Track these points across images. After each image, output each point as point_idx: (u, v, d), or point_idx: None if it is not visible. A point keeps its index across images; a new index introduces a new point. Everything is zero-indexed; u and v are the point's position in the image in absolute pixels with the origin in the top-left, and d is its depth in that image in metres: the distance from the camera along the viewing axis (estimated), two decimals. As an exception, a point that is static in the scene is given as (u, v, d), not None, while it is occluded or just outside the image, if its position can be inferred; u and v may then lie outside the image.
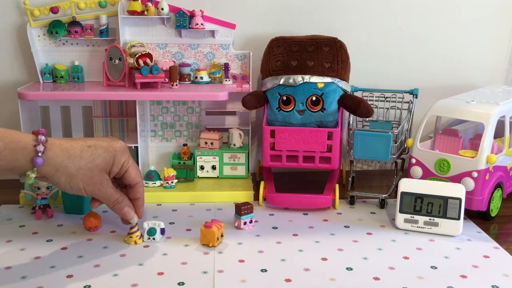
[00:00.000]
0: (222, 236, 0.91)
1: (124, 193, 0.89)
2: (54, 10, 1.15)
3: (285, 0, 1.23)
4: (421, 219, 0.95)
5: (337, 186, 1.07)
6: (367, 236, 0.94)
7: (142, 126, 1.15)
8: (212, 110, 1.23)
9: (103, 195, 0.85)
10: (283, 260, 0.85)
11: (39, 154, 0.76)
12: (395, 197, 0.99)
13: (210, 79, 1.19)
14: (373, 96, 1.20)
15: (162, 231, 0.92)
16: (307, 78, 1.06)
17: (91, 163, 0.82)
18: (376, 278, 0.80)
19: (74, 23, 1.15)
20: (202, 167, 1.17)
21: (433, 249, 0.90)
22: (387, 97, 1.20)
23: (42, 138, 0.77)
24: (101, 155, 0.83)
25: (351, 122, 1.15)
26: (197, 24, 1.15)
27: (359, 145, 1.06)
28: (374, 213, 1.05)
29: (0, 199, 1.08)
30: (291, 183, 1.21)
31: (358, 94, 1.19)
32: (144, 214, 1.01)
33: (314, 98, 1.06)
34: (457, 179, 0.99)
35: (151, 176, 1.11)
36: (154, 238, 0.91)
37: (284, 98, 1.08)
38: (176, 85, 1.13)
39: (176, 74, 1.13)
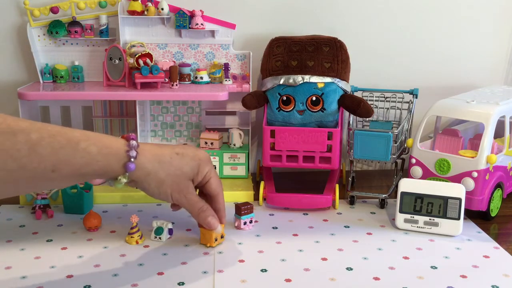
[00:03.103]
0: (222, 237, 0.90)
1: None
2: (54, 10, 1.15)
3: (285, 0, 1.23)
4: (421, 219, 0.95)
5: (337, 186, 1.07)
6: (367, 236, 0.94)
7: (142, 126, 1.15)
8: (212, 110, 1.23)
9: (188, 203, 0.86)
10: (283, 260, 0.85)
11: (132, 160, 0.76)
12: (395, 197, 0.99)
13: (210, 79, 1.19)
14: (373, 96, 1.20)
15: (170, 232, 0.92)
16: (307, 78, 1.06)
17: (179, 170, 0.83)
18: (376, 278, 0.80)
19: (74, 23, 1.15)
20: (202, 167, 1.16)
21: (433, 249, 0.89)
22: (387, 97, 1.20)
23: (134, 143, 0.77)
24: (188, 163, 0.84)
25: (351, 122, 1.15)
26: (197, 24, 1.14)
27: (359, 145, 1.06)
28: (374, 213, 1.05)
29: (0, 199, 1.08)
30: (291, 183, 1.21)
31: (358, 94, 1.19)
32: (145, 214, 1.01)
33: (314, 98, 1.06)
34: (457, 179, 0.98)
35: (151, 176, 1.11)
36: (160, 238, 0.91)
37: (284, 98, 1.07)
38: (176, 85, 1.13)
39: (176, 74, 1.13)
